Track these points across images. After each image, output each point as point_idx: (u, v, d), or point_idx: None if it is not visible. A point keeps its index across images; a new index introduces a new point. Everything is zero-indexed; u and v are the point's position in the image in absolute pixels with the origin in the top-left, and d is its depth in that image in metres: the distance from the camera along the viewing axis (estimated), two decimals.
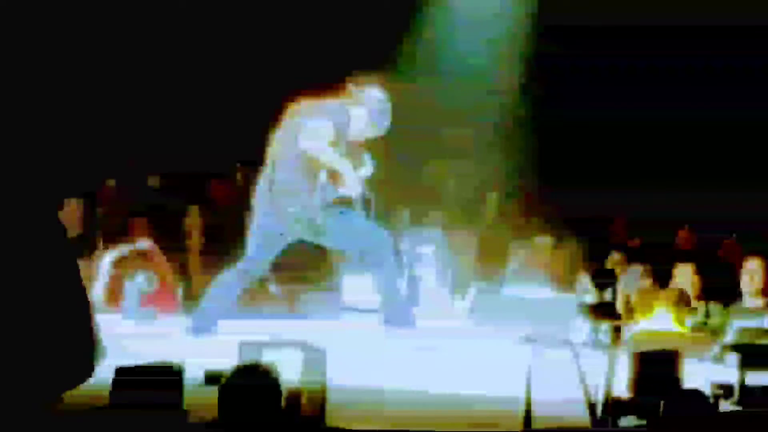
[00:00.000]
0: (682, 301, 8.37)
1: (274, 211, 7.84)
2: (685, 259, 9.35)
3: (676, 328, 8.16)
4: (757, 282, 8.61)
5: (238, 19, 11.47)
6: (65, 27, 11.19)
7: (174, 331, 7.99)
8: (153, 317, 8.72)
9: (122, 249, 9.55)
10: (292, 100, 7.96)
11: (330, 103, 7.91)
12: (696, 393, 5.55)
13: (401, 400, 6.02)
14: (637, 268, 9.09)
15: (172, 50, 11.45)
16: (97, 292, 9.39)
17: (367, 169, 7.99)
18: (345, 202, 7.93)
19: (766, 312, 8.23)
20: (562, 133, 11.13)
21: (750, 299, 8.62)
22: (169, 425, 4.98)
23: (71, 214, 10.50)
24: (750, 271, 8.66)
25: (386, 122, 7.98)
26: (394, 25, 10.91)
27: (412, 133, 10.22)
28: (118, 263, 9.42)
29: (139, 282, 8.89)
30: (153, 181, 11.49)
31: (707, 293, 8.86)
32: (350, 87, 7.93)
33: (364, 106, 7.92)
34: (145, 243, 9.62)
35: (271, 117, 7.98)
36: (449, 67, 10.94)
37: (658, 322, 8.00)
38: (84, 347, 3.12)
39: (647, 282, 9.00)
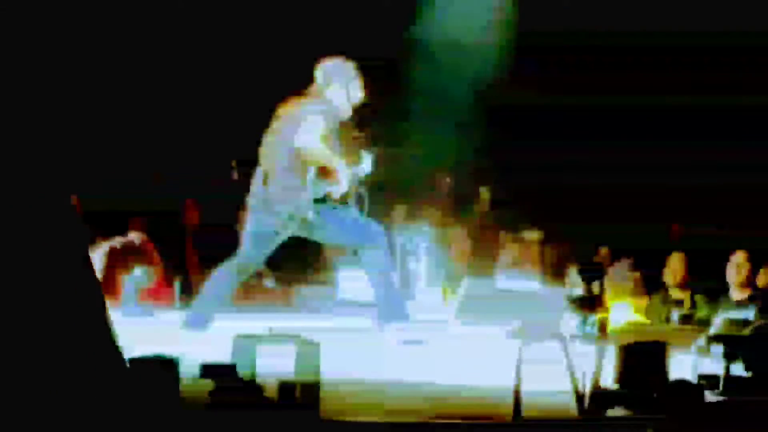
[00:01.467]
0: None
1: (268, 209, 7.95)
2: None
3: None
4: (743, 275, 8.74)
5: (234, 22, 11.54)
6: (64, 30, 11.24)
7: (171, 325, 8.08)
8: (151, 312, 8.82)
9: (113, 242, 9.64)
10: (284, 101, 8.09)
11: (314, 100, 8.04)
12: (684, 384, 5.64)
13: (394, 392, 6.11)
14: (624, 262, 9.21)
15: (170, 51, 11.52)
16: None
17: (366, 167, 8.10)
18: (339, 199, 8.02)
19: (750, 303, 8.35)
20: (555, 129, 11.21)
21: (735, 291, 8.76)
22: (165, 418, 5.05)
23: None
24: (736, 264, 8.80)
25: (358, 80, 8.11)
26: (384, 26, 10.99)
27: (404, 132, 10.34)
28: (110, 256, 9.50)
29: (137, 276, 8.99)
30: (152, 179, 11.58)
31: (694, 286, 9.00)
32: (315, 86, 8.09)
33: (334, 80, 8.06)
34: (136, 235, 9.71)
35: (267, 116, 8.10)
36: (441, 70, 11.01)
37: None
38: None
39: (635, 274, 9.13)
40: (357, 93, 8.12)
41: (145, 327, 8.15)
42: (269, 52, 11.38)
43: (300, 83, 8.19)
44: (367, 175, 8.11)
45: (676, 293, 9.13)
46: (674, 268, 9.16)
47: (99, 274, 9.40)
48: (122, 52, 11.52)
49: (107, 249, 9.61)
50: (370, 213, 8.13)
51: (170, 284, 9.80)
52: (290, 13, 11.45)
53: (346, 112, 8.11)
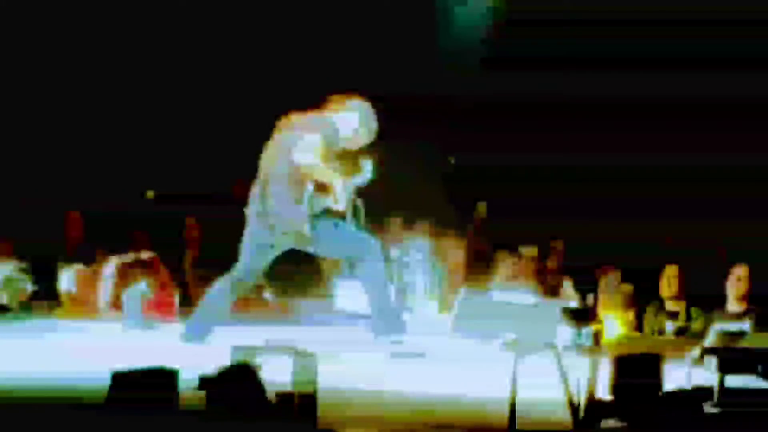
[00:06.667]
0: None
1: (265, 222, 8.00)
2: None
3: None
4: (741, 288, 8.78)
5: (233, 35, 11.60)
6: (68, 44, 11.34)
7: (171, 337, 8.13)
8: (153, 325, 8.86)
9: (124, 257, 9.67)
10: (284, 117, 8.14)
11: (318, 117, 8.08)
12: (681, 393, 5.67)
13: (391, 403, 6.15)
14: (615, 273, 9.26)
15: (171, 64, 11.58)
16: (102, 298, 9.54)
17: (365, 176, 8.14)
18: (336, 212, 8.05)
19: (745, 316, 8.40)
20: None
21: (733, 304, 8.80)
22: (163, 428, 5.08)
23: (74, 224, 10.82)
24: (735, 277, 8.84)
25: (374, 124, 8.16)
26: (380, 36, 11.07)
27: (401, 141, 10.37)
28: (121, 271, 9.54)
29: (140, 290, 9.03)
30: (150, 195, 11.65)
31: (690, 298, 9.04)
32: (334, 100, 8.13)
33: (350, 113, 8.11)
34: (147, 254, 9.76)
35: (267, 129, 8.15)
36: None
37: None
38: None
39: (627, 286, 9.18)
40: (362, 141, 8.16)
41: (146, 339, 8.22)
42: (269, 67, 11.44)
43: (298, 95, 8.24)
44: (370, 181, 8.14)
45: (671, 305, 9.17)
46: (670, 280, 9.20)
47: (108, 287, 9.50)
48: (126, 67, 11.58)
49: (116, 263, 9.66)
50: (367, 225, 8.17)
51: (172, 298, 9.83)
52: (293, 20, 11.51)
53: (354, 145, 8.15)
